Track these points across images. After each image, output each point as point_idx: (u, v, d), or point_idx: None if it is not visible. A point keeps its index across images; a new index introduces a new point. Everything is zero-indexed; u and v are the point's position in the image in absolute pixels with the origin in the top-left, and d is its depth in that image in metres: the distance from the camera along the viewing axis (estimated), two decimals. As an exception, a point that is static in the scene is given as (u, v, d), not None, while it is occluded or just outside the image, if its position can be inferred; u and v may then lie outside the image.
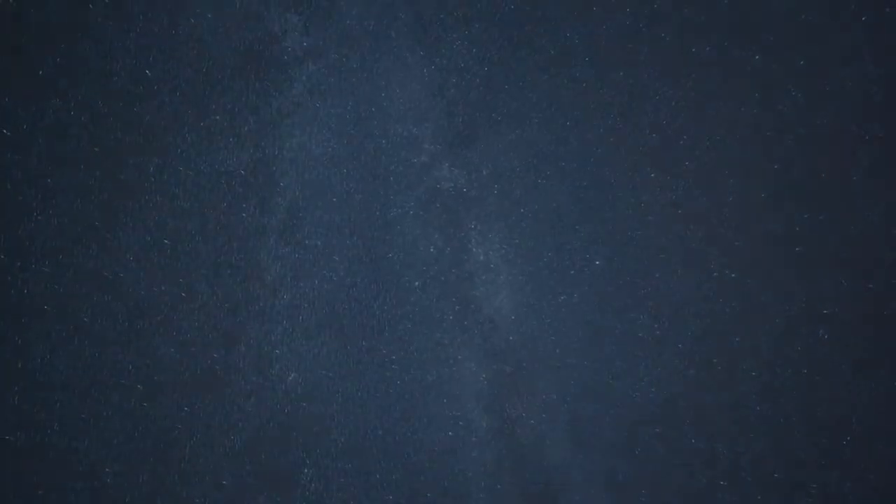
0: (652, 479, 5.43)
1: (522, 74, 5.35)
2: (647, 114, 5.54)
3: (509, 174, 5.47)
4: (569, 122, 5.44)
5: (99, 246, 4.70)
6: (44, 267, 4.55)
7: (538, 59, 5.35)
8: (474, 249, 5.51)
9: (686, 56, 5.41)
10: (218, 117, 4.80)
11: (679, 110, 5.57)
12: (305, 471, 5.07)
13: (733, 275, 5.48)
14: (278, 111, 4.89)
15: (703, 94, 5.52)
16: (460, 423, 5.52)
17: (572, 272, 5.56)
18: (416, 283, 5.38)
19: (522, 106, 5.37)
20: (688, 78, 5.37)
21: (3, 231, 4.35)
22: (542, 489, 5.37)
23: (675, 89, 5.53)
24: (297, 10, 5.02)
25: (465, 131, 5.37)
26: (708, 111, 5.54)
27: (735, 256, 5.52)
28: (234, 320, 4.97)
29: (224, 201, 4.90)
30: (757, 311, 5.45)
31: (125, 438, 4.76)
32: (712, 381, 5.51)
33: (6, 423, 4.49)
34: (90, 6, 4.41)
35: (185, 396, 4.84)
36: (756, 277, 5.45)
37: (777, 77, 5.49)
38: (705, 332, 5.49)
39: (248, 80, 4.86)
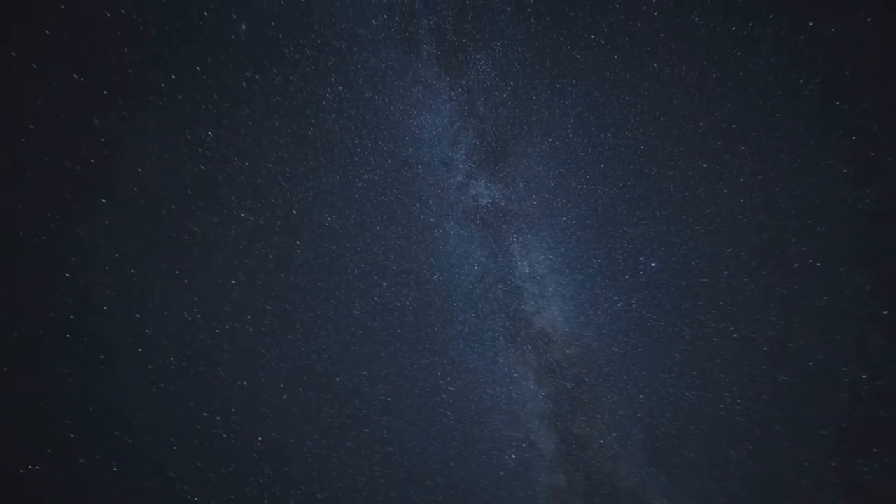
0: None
1: (550, 83, 5.08)
2: (693, 102, 4.99)
3: (547, 183, 5.13)
4: (604, 123, 5.03)
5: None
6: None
7: (565, 66, 5.06)
8: (519, 263, 5.17)
9: (724, 40, 4.84)
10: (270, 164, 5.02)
11: (728, 94, 4.97)
12: (368, 495, 4.86)
13: (818, 264, 4.63)
14: (323, 146, 5.01)
15: (751, 74, 4.88)
16: (523, 444, 5.05)
17: (627, 277, 5.01)
18: (464, 303, 5.12)
19: (553, 114, 5.07)
20: (733, 55, 4.78)
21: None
22: (620, 515, 4.71)
23: (723, 72, 4.94)
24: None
25: (497, 146, 5.16)
26: (759, 91, 4.87)
27: (815, 244, 4.67)
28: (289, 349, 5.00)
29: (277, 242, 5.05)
30: (848, 306, 4.50)
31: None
32: (810, 387, 4.59)
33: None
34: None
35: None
36: (842, 264, 4.55)
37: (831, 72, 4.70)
38: (791, 332, 4.63)
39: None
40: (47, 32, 4.26)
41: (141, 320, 4.80)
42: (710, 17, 4.59)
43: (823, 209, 4.37)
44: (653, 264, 4.57)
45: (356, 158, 4.88)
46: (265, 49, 4.76)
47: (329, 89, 4.94)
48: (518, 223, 4.80)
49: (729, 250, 4.56)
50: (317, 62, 4.85)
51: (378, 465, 4.73)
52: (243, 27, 4.66)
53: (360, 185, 4.84)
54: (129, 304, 4.75)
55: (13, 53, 3.96)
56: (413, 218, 4.80)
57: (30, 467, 4.62)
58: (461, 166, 4.86)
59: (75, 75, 4.39)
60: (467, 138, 4.82)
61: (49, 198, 4.39)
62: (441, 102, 4.82)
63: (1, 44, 3.97)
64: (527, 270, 4.77)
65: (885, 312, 3.92)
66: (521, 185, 4.80)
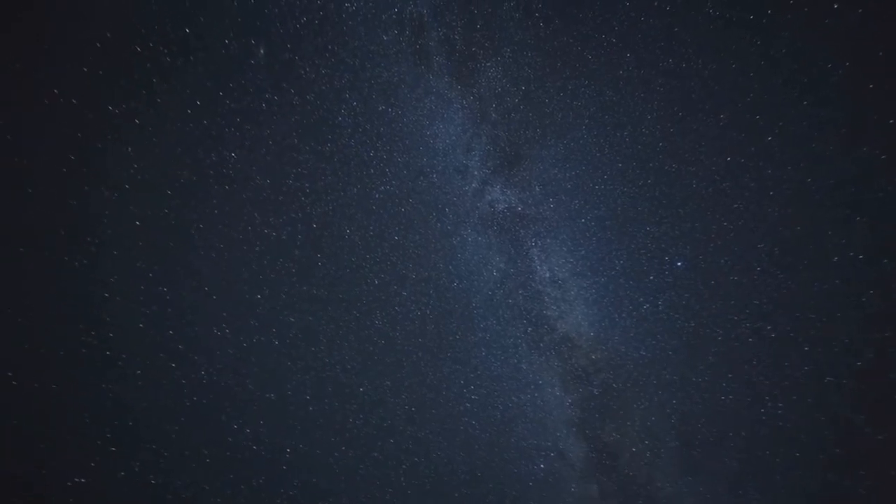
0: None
1: (562, 86, 4.95)
2: (712, 95, 4.76)
3: (563, 185, 4.97)
4: (619, 122, 4.85)
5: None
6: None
7: (576, 68, 4.93)
8: (539, 267, 5.01)
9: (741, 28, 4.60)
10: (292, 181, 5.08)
11: (750, 85, 4.71)
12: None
13: (860, 256, 4.26)
14: (340, 161, 5.04)
15: (774, 62, 4.61)
16: (552, 453, 4.83)
17: (651, 278, 4.76)
18: (484, 310, 4.99)
19: (567, 116, 4.93)
20: (752, 44, 4.54)
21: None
22: (656, 528, 4.40)
23: (743, 62, 4.70)
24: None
25: (511, 151, 5.05)
26: (783, 78, 4.59)
27: (855, 235, 4.31)
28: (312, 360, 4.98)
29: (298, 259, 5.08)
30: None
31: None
32: (860, 389, 4.19)
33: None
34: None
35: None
36: (886, 255, 4.16)
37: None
38: (835, 330, 4.26)
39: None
40: (84, 69, 4.47)
41: (173, 336, 4.89)
42: (726, 7, 4.37)
43: (861, 198, 4.03)
44: (678, 264, 4.32)
45: (372, 171, 4.87)
46: (282, 70, 4.85)
47: (344, 105, 4.98)
48: (536, 227, 4.64)
49: (760, 246, 4.27)
50: (331, 80, 4.91)
51: (405, 475, 4.60)
52: (262, 51, 4.77)
53: (376, 196, 4.82)
54: (163, 320, 4.85)
55: (49, 83, 4.17)
56: (430, 226, 4.73)
57: (75, 480, 4.74)
58: (476, 173, 4.76)
59: (109, 107, 4.58)
60: (481, 145, 4.73)
61: (86, 220, 4.56)
62: (453, 111, 4.76)
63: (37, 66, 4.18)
64: (547, 275, 4.59)
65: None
66: (538, 188, 4.65)
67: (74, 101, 4.51)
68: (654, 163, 4.54)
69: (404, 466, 4.66)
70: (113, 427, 4.77)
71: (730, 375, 4.21)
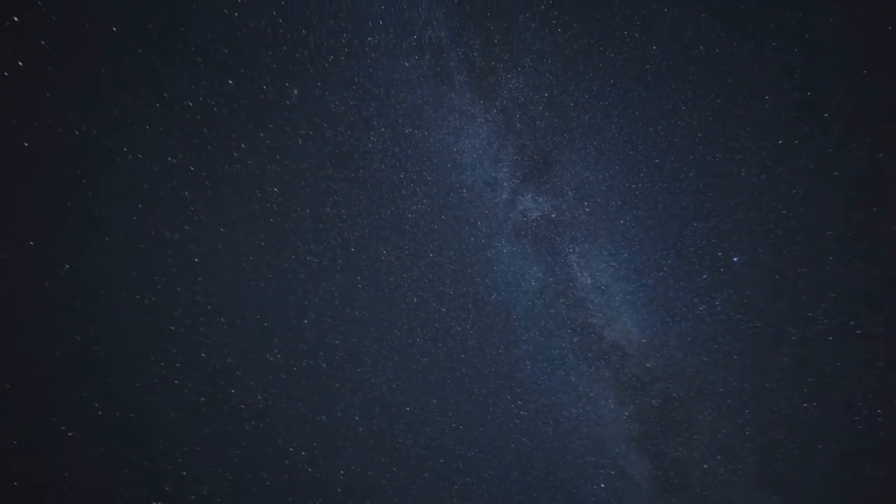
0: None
1: (586, 87, 4.70)
2: (753, 77, 4.31)
3: (597, 188, 4.65)
4: (651, 117, 4.49)
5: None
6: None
7: (599, 68, 4.67)
8: (579, 274, 4.66)
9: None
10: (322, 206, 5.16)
11: (796, 62, 4.22)
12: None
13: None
14: (373, 185, 5.06)
15: (822, 35, 4.11)
16: (612, 471, 4.35)
17: (705, 276, 4.27)
18: (526, 322, 4.70)
19: (594, 117, 4.65)
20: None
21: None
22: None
23: (786, 39, 4.23)
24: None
25: (539, 159, 4.82)
26: (836, 52, 4.07)
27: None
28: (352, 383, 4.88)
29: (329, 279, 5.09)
30: None
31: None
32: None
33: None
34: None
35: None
36: None
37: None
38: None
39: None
40: (146, 127, 4.84)
41: (232, 363, 5.01)
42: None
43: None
44: (735, 259, 3.83)
45: (403, 192, 4.82)
46: (315, 107, 5.00)
47: (373, 133, 5.02)
48: (572, 233, 4.33)
49: (830, 233, 3.71)
50: (360, 110, 4.98)
51: (458, 497, 4.31)
52: (295, 92, 4.95)
53: (409, 216, 4.74)
54: (222, 349, 5.00)
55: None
56: (464, 241, 4.56)
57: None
58: (505, 184, 4.57)
59: (169, 157, 4.91)
60: (508, 156, 4.55)
61: (154, 259, 4.85)
62: (478, 126, 4.64)
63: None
64: (589, 281, 4.24)
65: None
66: (570, 193, 4.37)
67: (140, 156, 4.86)
68: (694, 154, 4.12)
69: (456, 487, 4.38)
70: (182, 453, 4.91)
71: (809, 379, 3.61)
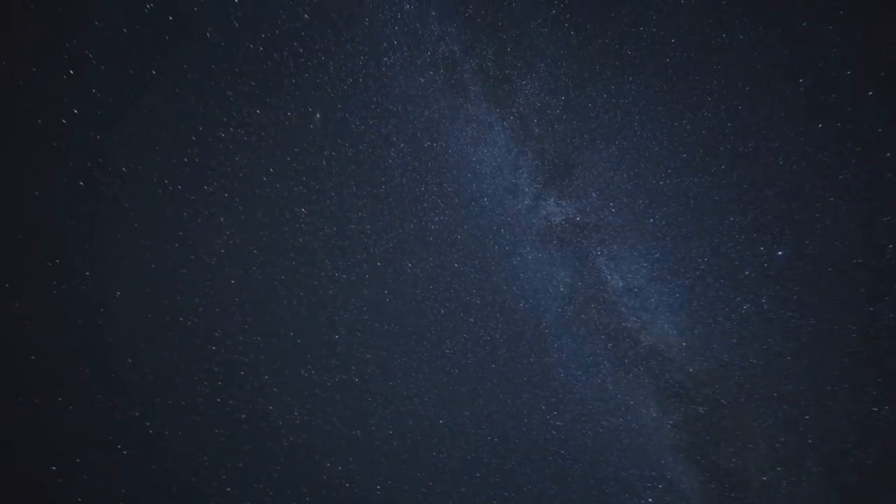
0: None
1: (604, 87, 4.51)
2: (783, 61, 4.00)
3: (623, 187, 4.42)
4: (675, 111, 4.25)
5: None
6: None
7: (616, 66, 4.48)
8: (609, 277, 4.41)
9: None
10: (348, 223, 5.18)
11: (832, 41, 3.89)
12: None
13: None
14: (395, 200, 5.05)
15: (858, 11, 3.78)
16: (659, 484, 4.02)
17: (747, 273, 3.93)
18: (556, 328, 4.48)
19: (614, 116, 4.45)
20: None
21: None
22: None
23: (819, 19, 3.92)
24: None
25: (560, 162, 4.65)
26: (878, 28, 3.72)
27: None
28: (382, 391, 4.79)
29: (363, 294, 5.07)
30: None
31: None
32: None
33: None
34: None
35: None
36: None
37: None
38: None
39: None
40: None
41: (269, 381, 5.05)
42: None
43: None
44: (779, 253, 3.52)
45: (425, 204, 4.77)
46: (336, 128, 5.07)
47: (392, 149, 5.03)
48: (599, 235, 4.12)
49: (886, 219, 3.34)
50: (379, 128, 5.01)
51: (497, 513, 4.09)
52: (317, 116, 5.05)
53: (432, 228, 4.67)
54: (259, 367, 5.06)
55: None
56: (488, 249, 4.43)
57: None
58: (527, 189, 4.43)
59: (205, 186, 5.09)
60: (528, 161, 4.42)
61: (194, 283, 5.00)
62: (495, 134, 4.54)
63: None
64: (620, 284, 4.00)
65: None
66: (594, 195, 4.17)
67: (180, 187, 5.06)
68: (724, 146, 3.85)
69: (495, 502, 4.16)
70: (226, 469, 4.96)
71: (879, 380, 3.22)
